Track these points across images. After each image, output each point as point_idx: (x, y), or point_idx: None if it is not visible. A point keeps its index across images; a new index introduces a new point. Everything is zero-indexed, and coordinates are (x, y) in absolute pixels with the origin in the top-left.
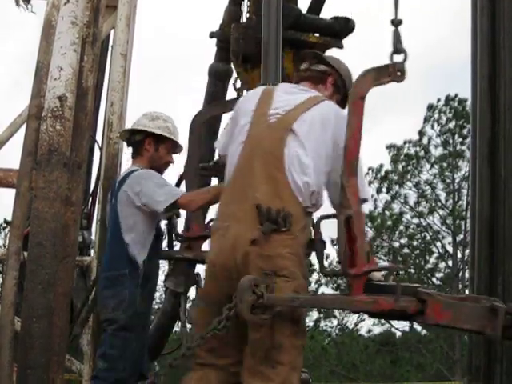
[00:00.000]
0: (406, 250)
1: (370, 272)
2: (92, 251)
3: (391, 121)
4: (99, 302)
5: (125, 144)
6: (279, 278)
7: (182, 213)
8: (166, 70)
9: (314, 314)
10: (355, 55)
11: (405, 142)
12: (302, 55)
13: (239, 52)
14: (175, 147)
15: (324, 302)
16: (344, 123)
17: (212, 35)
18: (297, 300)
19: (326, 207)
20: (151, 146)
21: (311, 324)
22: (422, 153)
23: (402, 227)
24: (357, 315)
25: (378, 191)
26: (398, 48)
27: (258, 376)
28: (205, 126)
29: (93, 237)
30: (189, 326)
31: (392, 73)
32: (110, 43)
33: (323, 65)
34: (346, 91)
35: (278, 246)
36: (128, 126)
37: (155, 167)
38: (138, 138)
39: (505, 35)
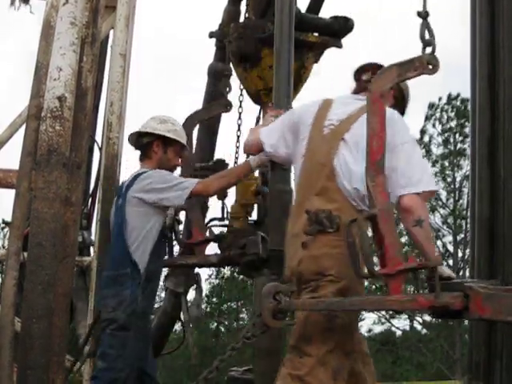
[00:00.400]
0: (406, 248)
1: (408, 271)
2: (92, 251)
3: None
4: (99, 301)
5: (125, 144)
6: (325, 277)
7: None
8: (165, 70)
9: None
10: (354, 55)
11: None
12: (365, 66)
13: (238, 52)
14: (183, 150)
15: (352, 304)
16: (395, 126)
17: (211, 35)
18: (320, 303)
19: None
20: (160, 148)
21: None
22: (423, 151)
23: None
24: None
25: None
26: (426, 40)
27: (288, 363)
28: (204, 127)
29: (93, 237)
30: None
31: (419, 67)
32: (110, 43)
33: None
34: (404, 103)
35: (324, 246)
36: (128, 126)
37: (164, 169)
38: (147, 141)
39: (504, 34)
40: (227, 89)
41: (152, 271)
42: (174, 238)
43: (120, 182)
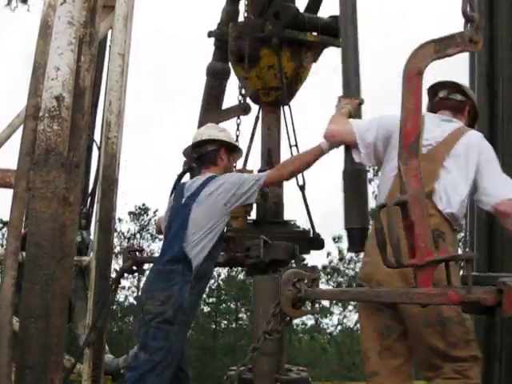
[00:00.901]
0: None
1: (439, 262)
2: (91, 251)
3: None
4: (147, 293)
5: (123, 144)
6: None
7: None
8: (164, 69)
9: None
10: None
11: None
12: (440, 83)
13: (237, 51)
14: (239, 158)
15: (377, 296)
16: (487, 151)
17: (210, 34)
18: (344, 294)
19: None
20: (225, 155)
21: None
22: None
23: None
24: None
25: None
26: (468, 15)
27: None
28: (203, 125)
29: (92, 237)
30: None
31: (461, 43)
32: (108, 43)
33: (459, 94)
34: (475, 117)
35: None
36: (126, 125)
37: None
38: (212, 148)
39: (502, 33)
40: (244, 91)
41: (204, 270)
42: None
43: (181, 185)
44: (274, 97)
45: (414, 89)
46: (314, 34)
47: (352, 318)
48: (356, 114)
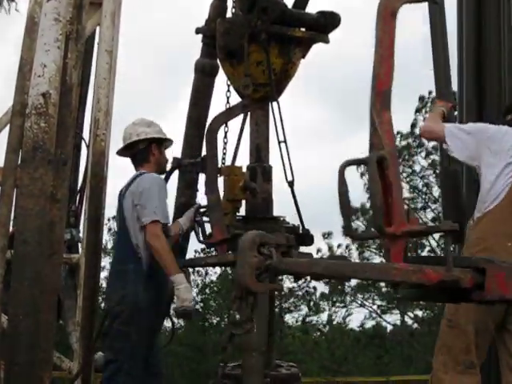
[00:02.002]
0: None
1: (413, 234)
2: (80, 249)
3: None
4: (106, 295)
5: (111, 141)
6: None
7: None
8: (152, 66)
9: (304, 309)
10: (341, 50)
11: (397, 133)
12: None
13: (225, 47)
14: (170, 146)
15: (354, 270)
16: None
17: (198, 31)
18: (317, 265)
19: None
20: (157, 150)
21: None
22: (414, 144)
23: None
24: (345, 309)
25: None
26: None
27: None
28: (191, 122)
29: (81, 234)
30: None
31: None
32: (96, 40)
33: None
34: None
35: None
36: (115, 123)
37: (162, 168)
38: (143, 147)
39: (490, 28)
40: (247, 89)
41: (155, 268)
42: (197, 237)
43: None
44: (262, 93)
45: (389, 30)
46: (302, 29)
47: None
48: (449, 116)
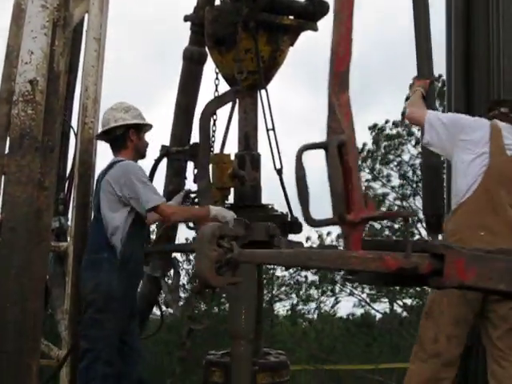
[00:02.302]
0: (386, 232)
1: (371, 219)
2: (69, 237)
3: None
4: (80, 283)
5: (100, 128)
6: None
7: None
8: (140, 54)
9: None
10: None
11: (386, 122)
12: (498, 101)
13: (213, 35)
14: (149, 130)
15: (312, 260)
16: None
17: (186, 18)
18: (276, 256)
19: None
20: (135, 136)
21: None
22: (404, 133)
23: (383, 209)
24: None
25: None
26: None
27: None
28: (180, 110)
29: (69, 222)
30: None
31: None
32: (85, 28)
33: None
34: None
35: None
36: (103, 110)
37: (142, 153)
38: (120, 132)
39: (479, 18)
40: (241, 74)
41: (128, 255)
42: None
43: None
44: (250, 81)
45: (347, 5)
46: (291, 17)
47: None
48: (429, 92)
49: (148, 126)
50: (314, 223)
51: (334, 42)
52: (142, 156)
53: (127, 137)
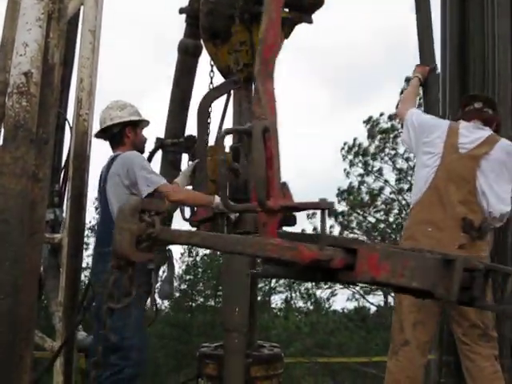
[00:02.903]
0: (382, 225)
1: (289, 209)
2: (63, 228)
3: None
4: (92, 277)
5: (95, 120)
6: None
7: None
8: (135, 47)
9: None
10: (325, 30)
11: (381, 114)
12: (473, 96)
13: (208, 28)
14: (146, 125)
15: (229, 243)
16: None
17: (181, 11)
18: (196, 236)
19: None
20: (131, 132)
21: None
22: (398, 126)
23: (379, 203)
24: (329, 290)
25: (351, 165)
26: None
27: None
28: (175, 102)
29: (64, 214)
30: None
31: None
32: (80, 20)
33: (492, 109)
34: (497, 132)
35: (480, 250)
36: (98, 102)
37: (139, 149)
38: (117, 130)
39: (474, 4)
40: (237, 65)
41: None
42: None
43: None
44: (245, 73)
45: None
46: (286, 10)
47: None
48: (428, 78)
49: (145, 122)
50: (233, 208)
51: (262, 29)
52: (140, 151)
53: (124, 134)
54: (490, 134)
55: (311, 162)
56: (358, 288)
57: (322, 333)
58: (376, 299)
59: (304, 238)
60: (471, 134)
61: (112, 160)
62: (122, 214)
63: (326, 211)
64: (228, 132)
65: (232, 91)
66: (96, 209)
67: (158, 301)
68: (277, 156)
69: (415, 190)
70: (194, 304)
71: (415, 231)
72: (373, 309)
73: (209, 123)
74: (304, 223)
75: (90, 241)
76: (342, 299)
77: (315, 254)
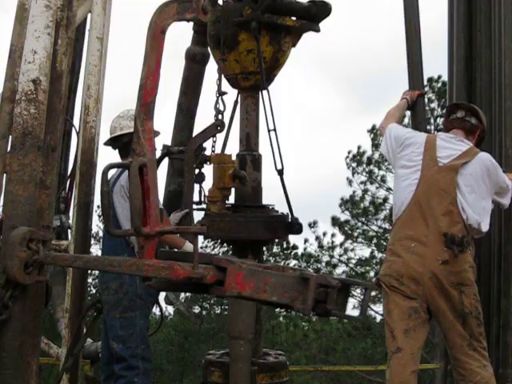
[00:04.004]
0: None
1: (164, 233)
2: (69, 235)
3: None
4: (100, 285)
5: (102, 127)
6: (464, 286)
7: None
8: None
9: None
10: (332, 39)
11: None
12: (457, 104)
13: (216, 35)
14: (156, 136)
15: (110, 265)
16: (496, 171)
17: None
18: (79, 260)
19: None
20: None
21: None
22: None
23: (385, 212)
24: None
25: (354, 173)
26: None
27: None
28: (181, 110)
29: (70, 221)
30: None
31: (196, 9)
32: (88, 27)
33: (475, 118)
34: (482, 141)
35: (464, 263)
36: (105, 109)
37: None
38: (125, 140)
39: (481, 18)
40: (222, 108)
41: None
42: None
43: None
44: (252, 81)
45: (157, 47)
46: (293, 18)
47: None
48: (416, 102)
49: (155, 133)
50: (114, 233)
51: (142, 76)
52: None
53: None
54: (470, 147)
55: (324, 168)
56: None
57: (326, 340)
58: (381, 308)
59: (182, 257)
60: (449, 145)
61: (123, 170)
62: (12, 242)
63: (200, 236)
64: (112, 166)
65: (239, 99)
66: (99, 216)
67: (164, 307)
68: (154, 188)
69: (397, 205)
70: (202, 311)
71: (398, 247)
72: (378, 318)
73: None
74: (306, 232)
75: (95, 248)
76: (347, 308)
77: (188, 272)
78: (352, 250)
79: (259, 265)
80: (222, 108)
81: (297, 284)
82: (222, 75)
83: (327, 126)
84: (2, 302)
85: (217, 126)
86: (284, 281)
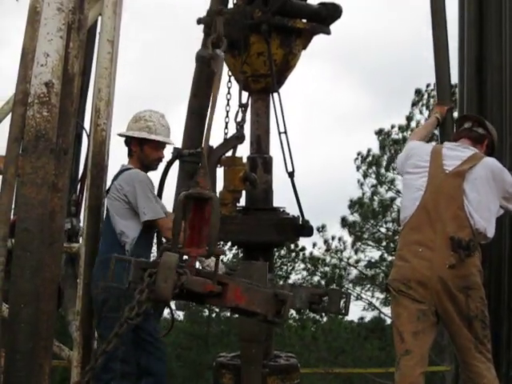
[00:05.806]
0: (396, 237)
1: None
2: (80, 238)
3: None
4: (92, 283)
5: (113, 130)
6: (471, 290)
7: None
8: (153, 56)
9: None
10: (342, 41)
11: (392, 127)
12: (465, 116)
13: (226, 38)
14: (162, 143)
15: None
16: (502, 174)
17: (199, 21)
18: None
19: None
20: (136, 147)
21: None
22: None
23: (394, 214)
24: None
25: (365, 176)
26: None
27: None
28: (192, 113)
29: (81, 224)
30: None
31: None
32: (98, 30)
33: (482, 128)
34: (493, 150)
35: (471, 267)
36: (116, 112)
37: (146, 165)
38: (127, 141)
39: (492, 21)
40: (242, 120)
41: (138, 254)
42: None
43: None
44: (263, 84)
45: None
46: (304, 21)
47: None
48: (446, 118)
49: (151, 141)
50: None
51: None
52: (146, 168)
53: (131, 147)
54: (475, 153)
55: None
56: (374, 300)
57: (337, 342)
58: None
59: None
60: (455, 153)
61: (120, 173)
62: (168, 265)
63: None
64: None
65: (250, 102)
66: None
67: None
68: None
69: (404, 210)
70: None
71: (406, 252)
72: (388, 320)
73: (226, 134)
74: (314, 236)
75: None
76: (354, 310)
77: (212, 287)
78: (363, 251)
79: (248, 282)
80: (241, 120)
81: (271, 299)
82: (232, 77)
83: (337, 128)
84: (137, 313)
85: (237, 138)
86: (264, 296)
